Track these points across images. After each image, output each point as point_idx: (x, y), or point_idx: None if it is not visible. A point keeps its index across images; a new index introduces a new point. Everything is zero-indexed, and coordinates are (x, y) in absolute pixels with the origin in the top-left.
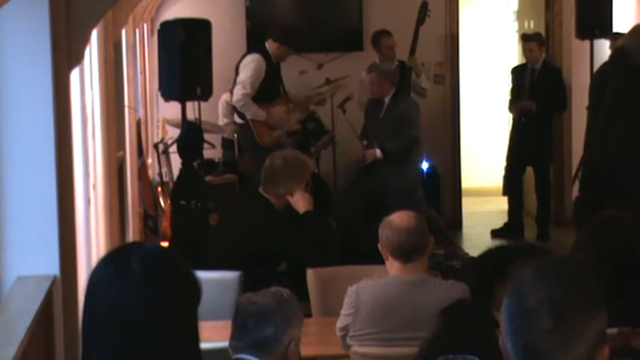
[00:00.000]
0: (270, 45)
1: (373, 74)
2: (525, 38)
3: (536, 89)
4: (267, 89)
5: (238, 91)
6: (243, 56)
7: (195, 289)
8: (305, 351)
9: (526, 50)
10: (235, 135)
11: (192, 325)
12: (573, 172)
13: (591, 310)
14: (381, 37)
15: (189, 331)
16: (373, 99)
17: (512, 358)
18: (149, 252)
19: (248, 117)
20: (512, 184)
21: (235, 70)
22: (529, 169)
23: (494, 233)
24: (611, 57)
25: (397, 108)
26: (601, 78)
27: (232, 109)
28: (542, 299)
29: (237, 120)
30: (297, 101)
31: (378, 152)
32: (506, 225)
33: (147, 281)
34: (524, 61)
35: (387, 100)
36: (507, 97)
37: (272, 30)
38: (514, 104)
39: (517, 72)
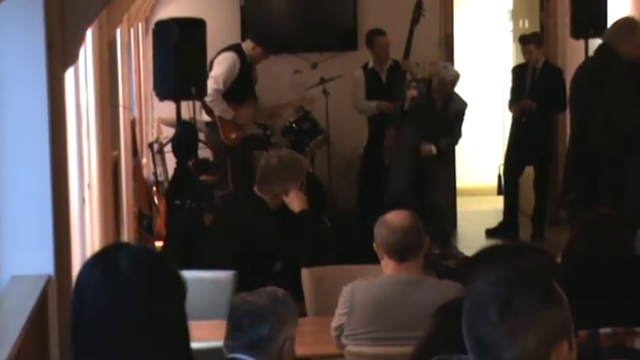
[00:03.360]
0: (246, 45)
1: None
2: (523, 41)
3: (536, 89)
4: (239, 89)
5: (210, 87)
6: (218, 53)
7: (181, 286)
8: (300, 350)
9: (525, 53)
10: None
11: (183, 323)
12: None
13: (538, 303)
14: (375, 36)
15: (180, 328)
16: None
17: (470, 356)
18: (137, 252)
19: (216, 113)
20: (509, 184)
21: (209, 67)
22: (527, 169)
23: (489, 233)
24: (596, 53)
25: (454, 107)
26: (588, 75)
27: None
28: (490, 296)
29: (206, 118)
30: (265, 107)
31: (433, 149)
32: (501, 224)
33: (138, 280)
34: (519, 61)
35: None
36: (505, 96)
37: (250, 30)
38: (514, 104)
39: (518, 71)
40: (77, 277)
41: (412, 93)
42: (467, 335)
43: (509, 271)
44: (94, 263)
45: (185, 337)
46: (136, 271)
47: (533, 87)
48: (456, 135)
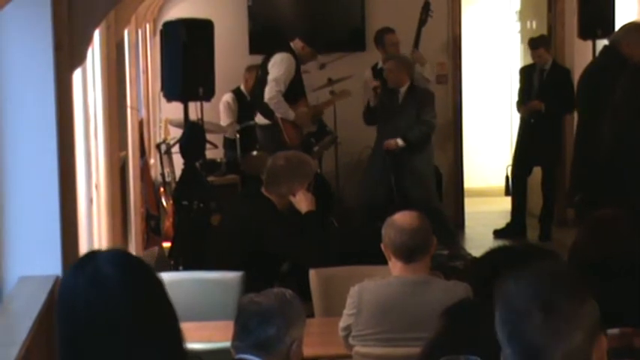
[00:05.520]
0: (295, 45)
1: (391, 62)
2: (533, 45)
3: (545, 89)
4: (293, 89)
5: (272, 88)
6: (268, 55)
7: (161, 283)
8: (307, 351)
9: (535, 56)
10: (237, 136)
11: (174, 318)
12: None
13: (578, 298)
14: (385, 34)
15: (173, 323)
16: (386, 90)
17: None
18: (116, 255)
19: (278, 115)
20: (517, 185)
21: (261, 69)
22: (535, 170)
23: (497, 234)
24: (601, 55)
25: (417, 96)
26: (594, 76)
27: (235, 110)
28: (529, 298)
29: (262, 121)
30: (314, 105)
31: (399, 141)
32: (508, 225)
33: (125, 282)
34: (527, 61)
35: (402, 90)
36: (513, 97)
37: (297, 30)
38: (522, 105)
39: (526, 72)
40: (60, 290)
41: (373, 84)
42: (509, 342)
43: (541, 273)
44: (75, 273)
45: (178, 334)
46: (120, 273)
47: (542, 88)
48: (427, 122)
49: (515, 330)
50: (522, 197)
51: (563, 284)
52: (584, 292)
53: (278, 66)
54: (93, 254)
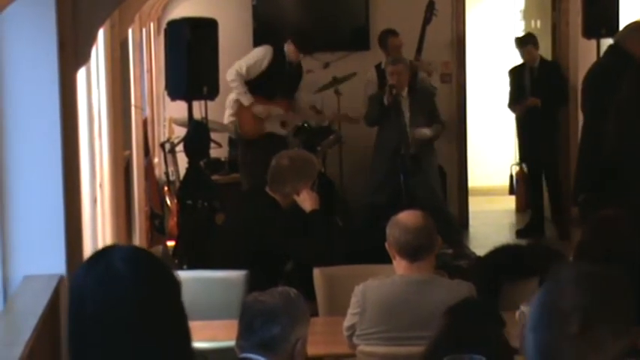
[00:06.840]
0: (287, 48)
1: (400, 66)
2: (521, 43)
3: (538, 86)
4: (268, 84)
5: (232, 68)
6: None
7: (176, 282)
8: (312, 350)
9: (525, 54)
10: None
11: (183, 318)
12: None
13: (619, 331)
14: (388, 36)
15: (181, 323)
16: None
17: (529, 352)
18: (129, 252)
19: (234, 96)
20: (532, 183)
21: None
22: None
23: (519, 233)
24: (606, 54)
25: (418, 96)
26: (598, 76)
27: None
28: (576, 305)
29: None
30: (299, 112)
31: (427, 132)
32: (528, 225)
33: (136, 280)
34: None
35: (404, 93)
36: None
37: (288, 30)
38: (517, 104)
39: (516, 72)
40: (72, 284)
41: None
42: (537, 333)
43: (597, 283)
44: (87, 268)
45: (185, 333)
46: (132, 270)
47: (534, 85)
48: (441, 122)
49: (548, 327)
50: (539, 194)
51: (614, 308)
52: (627, 329)
53: (251, 53)
54: (107, 250)
